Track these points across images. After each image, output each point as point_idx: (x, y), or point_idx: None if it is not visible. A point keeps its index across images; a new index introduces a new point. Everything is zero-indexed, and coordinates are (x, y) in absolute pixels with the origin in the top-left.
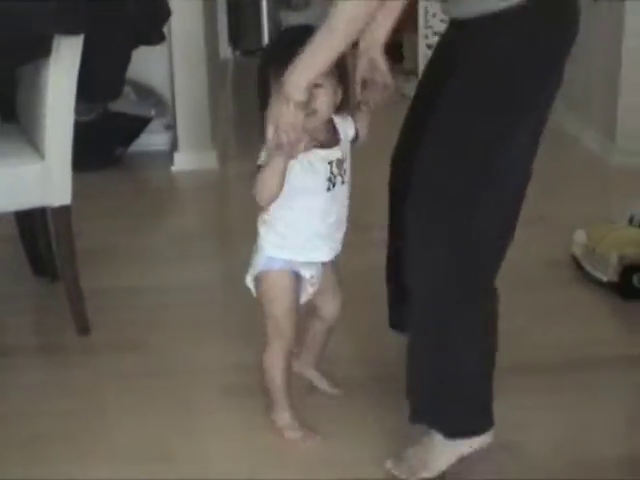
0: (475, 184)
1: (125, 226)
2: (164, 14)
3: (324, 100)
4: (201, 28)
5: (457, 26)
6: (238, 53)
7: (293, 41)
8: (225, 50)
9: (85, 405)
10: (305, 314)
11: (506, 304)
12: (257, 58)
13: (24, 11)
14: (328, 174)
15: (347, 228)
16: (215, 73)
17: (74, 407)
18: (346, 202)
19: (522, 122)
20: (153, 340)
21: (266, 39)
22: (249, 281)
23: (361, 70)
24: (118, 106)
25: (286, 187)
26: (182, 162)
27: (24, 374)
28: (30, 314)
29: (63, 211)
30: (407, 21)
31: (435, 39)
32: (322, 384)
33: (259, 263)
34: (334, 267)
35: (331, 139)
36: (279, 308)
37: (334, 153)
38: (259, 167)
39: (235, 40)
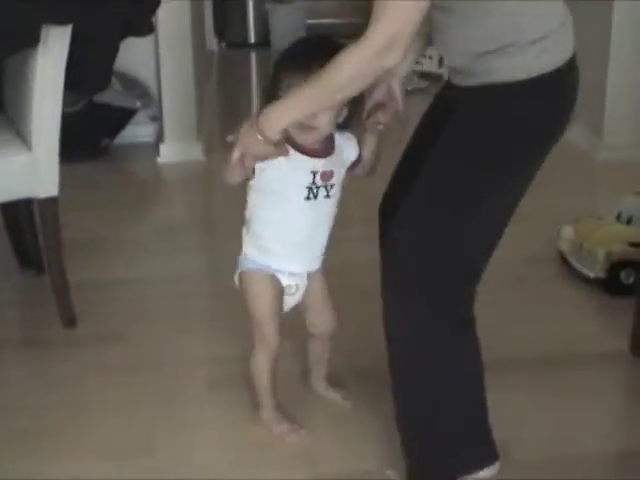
0: (452, 244)
1: (111, 218)
2: (153, 4)
3: (325, 120)
4: (188, 19)
5: (457, 89)
6: (224, 45)
7: (310, 51)
8: (211, 42)
9: (69, 399)
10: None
11: (491, 300)
12: (243, 50)
13: (11, 1)
14: (309, 183)
15: (346, 222)
16: (201, 65)
17: (58, 401)
18: (329, 219)
19: (505, 186)
20: (138, 332)
21: (252, 31)
22: (235, 278)
23: (377, 93)
24: (103, 97)
25: (265, 184)
26: (168, 154)
27: (8, 367)
28: (15, 307)
29: (50, 203)
30: None
31: None
32: (333, 396)
33: (240, 262)
34: (321, 283)
35: (321, 150)
36: (258, 310)
37: (320, 163)
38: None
39: (221, 32)
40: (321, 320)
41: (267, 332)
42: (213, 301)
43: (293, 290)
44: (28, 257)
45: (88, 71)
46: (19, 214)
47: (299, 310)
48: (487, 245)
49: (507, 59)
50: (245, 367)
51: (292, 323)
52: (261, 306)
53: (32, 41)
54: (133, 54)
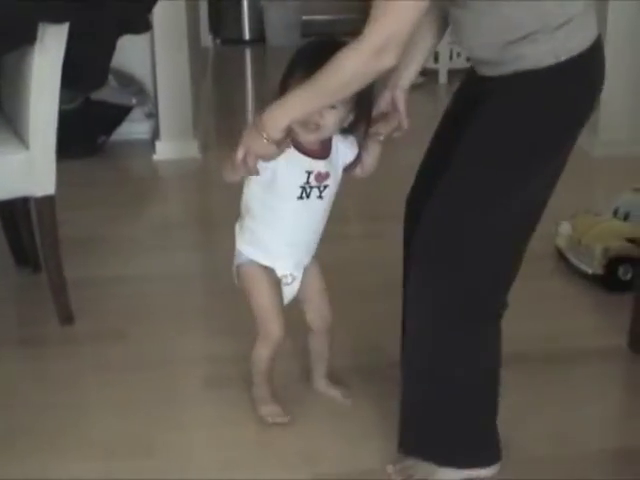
0: (488, 233)
1: (107, 215)
2: (150, 2)
3: (331, 120)
4: (183, 16)
5: (485, 79)
6: (219, 42)
7: (320, 56)
8: (206, 38)
9: (66, 397)
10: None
11: None
12: (238, 47)
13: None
14: (303, 182)
15: (344, 219)
16: (197, 62)
17: (55, 399)
18: (320, 219)
19: (541, 173)
20: (136, 330)
21: (247, 28)
22: (233, 274)
23: (382, 103)
24: (100, 94)
25: (261, 178)
26: (164, 151)
27: (5, 365)
28: (12, 304)
29: (47, 201)
30: None
31: None
32: (333, 393)
33: (236, 256)
34: (317, 276)
35: (319, 151)
36: (258, 302)
37: (316, 164)
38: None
39: (216, 29)
40: (319, 315)
41: (270, 327)
42: (210, 299)
43: (289, 280)
44: (24, 255)
45: (85, 69)
46: (16, 212)
47: (299, 303)
48: (523, 235)
49: (534, 46)
50: (243, 366)
51: (292, 322)
52: (260, 298)
53: (29, 39)
54: (129, 51)
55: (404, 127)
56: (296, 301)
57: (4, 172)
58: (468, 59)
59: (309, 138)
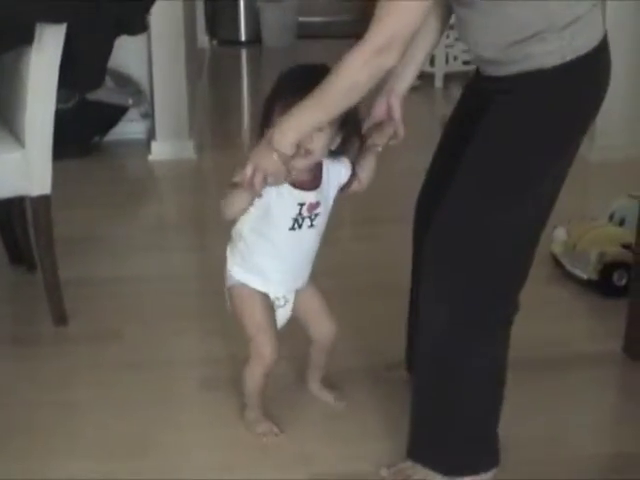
0: (497, 236)
1: (102, 215)
2: (148, 3)
3: (320, 143)
4: (181, 17)
5: (492, 79)
6: (215, 43)
7: (304, 80)
8: (202, 39)
9: (59, 397)
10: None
11: None
12: (234, 48)
13: None
14: (295, 214)
15: (340, 222)
16: (193, 63)
17: (48, 399)
18: (313, 247)
19: (551, 171)
20: (130, 331)
21: (243, 29)
22: (226, 295)
23: (378, 111)
24: (96, 94)
25: (254, 210)
26: (159, 151)
27: None
28: (6, 303)
29: (43, 200)
30: None
31: None
32: (326, 397)
33: (227, 278)
34: (313, 291)
35: (310, 182)
36: (250, 323)
37: (308, 196)
38: (234, 184)
39: (212, 29)
40: (322, 331)
41: (263, 348)
42: (205, 299)
43: (282, 302)
44: (19, 253)
45: (82, 69)
46: (11, 210)
47: (299, 322)
48: (533, 237)
49: (542, 45)
50: (237, 368)
51: (288, 327)
52: (253, 319)
53: (27, 39)
54: (126, 51)
55: (400, 135)
56: (295, 319)
57: (0, 171)
58: (468, 62)
59: (300, 165)
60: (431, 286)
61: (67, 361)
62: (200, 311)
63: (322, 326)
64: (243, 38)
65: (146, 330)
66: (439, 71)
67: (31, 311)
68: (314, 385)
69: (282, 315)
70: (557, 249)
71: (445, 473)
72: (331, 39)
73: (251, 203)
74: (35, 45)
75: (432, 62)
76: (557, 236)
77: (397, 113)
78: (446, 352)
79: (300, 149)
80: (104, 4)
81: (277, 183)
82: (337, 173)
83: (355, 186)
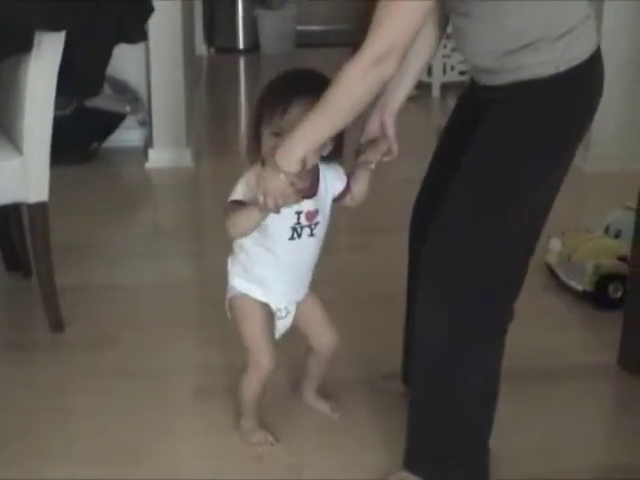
0: (494, 244)
1: (98, 222)
2: (147, 12)
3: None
4: (179, 24)
5: (486, 89)
6: (213, 50)
7: (291, 86)
8: (200, 47)
9: (55, 403)
10: (305, 348)
11: None
12: (232, 55)
13: (6, 6)
14: (294, 223)
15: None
16: (191, 70)
17: (43, 405)
18: (313, 256)
19: (546, 180)
20: (126, 338)
21: (241, 37)
22: (226, 307)
23: (371, 128)
24: (93, 101)
25: None
26: (156, 159)
27: None
28: (2, 309)
29: (40, 207)
30: None
31: None
32: (322, 407)
33: (228, 289)
34: (316, 307)
35: (307, 190)
36: (249, 333)
37: (305, 203)
38: (234, 202)
39: (210, 37)
40: (323, 342)
41: (261, 359)
42: (201, 307)
43: (284, 313)
44: (15, 260)
45: (81, 76)
46: (7, 217)
47: (300, 332)
48: (528, 245)
49: (535, 55)
50: (233, 376)
51: (285, 337)
52: (251, 329)
53: (26, 46)
54: (124, 59)
55: (394, 153)
56: (294, 329)
57: None
58: (464, 72)
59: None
60: (428, 295)
61: (63, 367)
62: (196, 319)
63: (323, 336)
64: (241, 46)
65: (142, 337)
66: (436, 81)
67: (27, 317)
68: (310, 395)
69: (282, 326)
70: (552, 260)
71: None
72: (330, 47)
73: (260, 224)
74: (34, 52)
75: (429, 72)
76: (552, 247)
77: (390, 130)
78: (442, 362)
79: (306, 166)
80: (103, 12)
81: (288, 204)
82: (332, 182)
83: (348, 200)
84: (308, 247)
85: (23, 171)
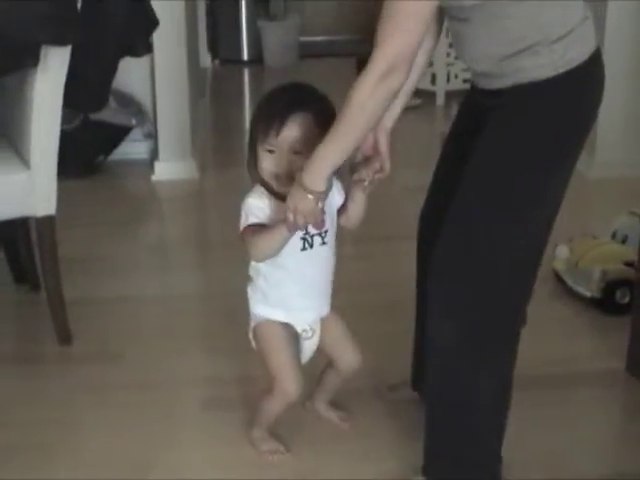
0: (504, 247)
1: (105, 234)
2: (152, 25)
3: (299, 166)
4: (183, 37)
5: (486, 93)
6: (217, 62)
7: (284, 104)
8: (204, 59)
9: (63, 416)
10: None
11: None
12: (236, 67)
13: (12, 21)
14: (302, 234)
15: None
16: (195, 82)
17: (52, 418)
18: (329, 263)
19: (552, 181)
20: (133, 351)
21: (245, 48)
22: (250, 335)
23: (365, 146)
24: (99, 114)
25: None
26: (162, 171)
27: (2, 383)
28: (10, 322)
29: (47, 221)
30: None
31: None
32: (332, 417)
33: (251, 317)
34: (335, 323)
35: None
36: (274, 359)
37: None
38: (251, 225)
39: (214, 49)
40: (347, 360)
41: (287, 386)
42: (207, 319)
43: (309, 334)
44: (23, 273)
45: (87, 90)
46: (15, 230)
47: (325, 355)
48: (537, 249)
49: (534, 58)
50: (241, 387)
51: None
52: (278, 357)
53: (32, 60)
54: (129, 72)
55: (386, 170)
56: (320, 350)
57: (5, 192)
58: (468, 80)
59: (286, 191)
60: (437, 303)
61: (71, 380)
62: (203, 330)
63: (347, 355)
64: (245, 57)
65: (149, 350)
66: (440, 89)
67: (35, 330)
68: (321, 405)
69: (309, 347)
70: (559, 266)
71: None
72: (333, 58)
73: (284, 244)
74: (40, 67)
75: (433, 80)
76: (559, 253)
77: (384, 147)
78: (453, 369)
79: (281, 178)
80: (108, 26)
81: (316, 221)
82: (333, 194)
83: (343, 221)
84: (323, 256)
85: (30, 185)
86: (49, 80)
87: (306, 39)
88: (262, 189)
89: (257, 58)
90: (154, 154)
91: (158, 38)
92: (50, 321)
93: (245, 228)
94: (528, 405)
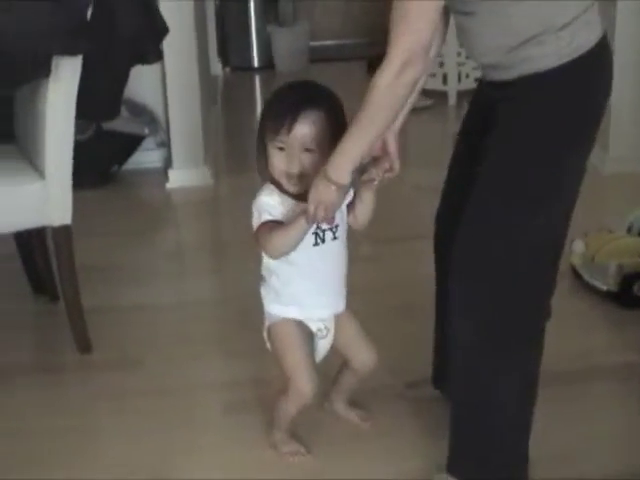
0: (524, 239)
1: (122, 243)
2: (162, 32)
3: (307, 162)
4: (194, 45)
5: (495, 85)
6: (228, 69)
7: (294, 102)
8: (215, 66)
9: (84, 424)
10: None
11: None
12: (247, 74)
13: (23, 32)
14: (314, 228)
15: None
16: (207, 90)
17: (73, 426)
18: (341, 259)
19: (569, 168)
20: (152, 357)
21: (255, 55)
22: (264, 335)
23: (373, 148)
24: (112, 124)
25: None
26: (176, 179)
27: (23, 392)
28: (30, 332)
29: (64, 230)
30: None
31: None
32: (352, 417)
33: (265, 317)
34: (349, 321)
35: None
36: (289, 361)
37: None
38: (266, 222)
39: (224, 56)
40: (361, 359)
41: (302, 386)
42: (225, 324)
43: (324, 333)
44: (41, 284)
45: (99, 99)
46: (32, 241)
47: (340, 355)
48: (557, 242)
49: (541, 47)
50: (260, 389)
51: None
52: (292, 356)
53: (44, 71)
54: (140, 81)
55: (396, 169)
56: (334, 350)
57: (21, 203)
58: (478, 79)
59: (297, 190)
60: (458, 302)
61: (90, 388)
62: (221, 335)
63: (361, 355)
64: (256, 64)
65: (167, 356)
66: (452, 89)
67: (55, 340)
68: (340, 405)
69: (323, 347)
70: (576, 261)
71: None
72: (344, 62)
73: (302, 238)
74: (52, 77)
75: (445, 80)
76: (575, 248)
77: (392, 147)
78: (475, 368)
79: (291, 178)
80: (118, 35)
81: (333, 214)
82: None
83: (351, 220)
84: (335, 250)
85: (45, 195)
86: (61, 90)
87: (316, 43)
88: (272, 187)
89: (268, 64)
90: (168, 162)
91: (168, 46)
92: (69, 330)
93: (260, 226)
94: (545, 401)
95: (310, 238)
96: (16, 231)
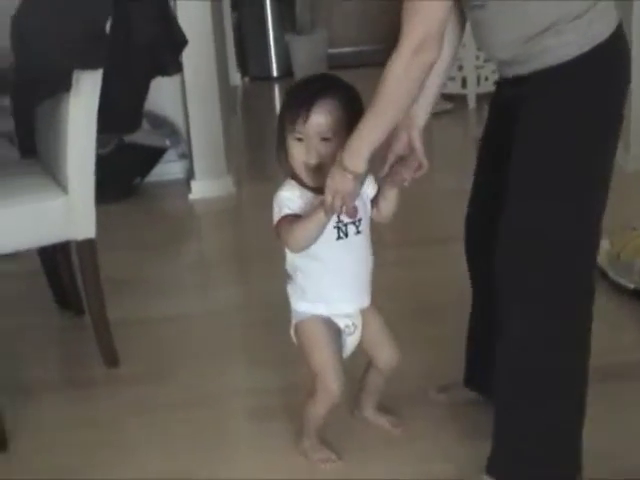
0: (570, 226)
1: (146, 255)
2: (181, 43)
3: (324, 151)
4: (212, 56)
5: (513, 82)
6: (247, 79)
7: (310, 93)
8: (234, 77)
9: (112, 438)
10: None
11: None
12: (266, 83)
13: (44, 48)
14: (335, 222)
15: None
16: (226, 100)
17: (101, 439)
18: (365, 253)
19: (604, 153)
20: (179, 369)
21: (274, 64)
22: (292, 332)
23: (398, 146)
24: (133, 137)
25: None
26: (199, 190)
27: (51, 408)
28: (57, 347)
29: (88, 244)
30: None
31: None
32: (382, 422)
33: (292, 315)
34: (373, 315)
35: None
36: (317, 356)
37: None
38: (286, 216)
39: (243, 66)
40: (385, 356)
41: (330, 384)
42: (251, 333)
43: (352, 329)
44: (66, 298)
45: (120, 113)
46: (56, 256)
47: (364, 352)
48: (596, 226)
49: (558, 37)
50: (288, 396)
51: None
52: (320, 353)
53: (65, 86)
54: (160, 93)
55: (425, 166)
56: (359, 346)
57: (44, 218)
58: (495, 82)
59: (316, 183)
60: (509, 296)
61: (119, 402)
62: (247, 344)
63: (385, 352)
64: (275, 74)
65: (195, 367)
66: (471, 92)
67: (82, 354)
68: (369, 411)
69: (351, 343)
70: (601, 259)
71: None
72: (362, 68)
73: (322, 230)
74: (73, 92)
75: (464, 84)
76: (601, 246)
77: (418, 144)
78: (523, 366)
79: (310, 169)
80: (137, 47)
81: (352, 203)
82: (366, 185)
83: (374, 214)
84: (358, 245)
85: (69, 209)
86: (82, 104)
87: (334, 51)
88: (293, 182)
89: (286, 73)
90: (190, 173)
91: (187, 57)
92: (96, 344)
93: (280, 220)
94: None
95: (333, 233)
96: (40, 247)
